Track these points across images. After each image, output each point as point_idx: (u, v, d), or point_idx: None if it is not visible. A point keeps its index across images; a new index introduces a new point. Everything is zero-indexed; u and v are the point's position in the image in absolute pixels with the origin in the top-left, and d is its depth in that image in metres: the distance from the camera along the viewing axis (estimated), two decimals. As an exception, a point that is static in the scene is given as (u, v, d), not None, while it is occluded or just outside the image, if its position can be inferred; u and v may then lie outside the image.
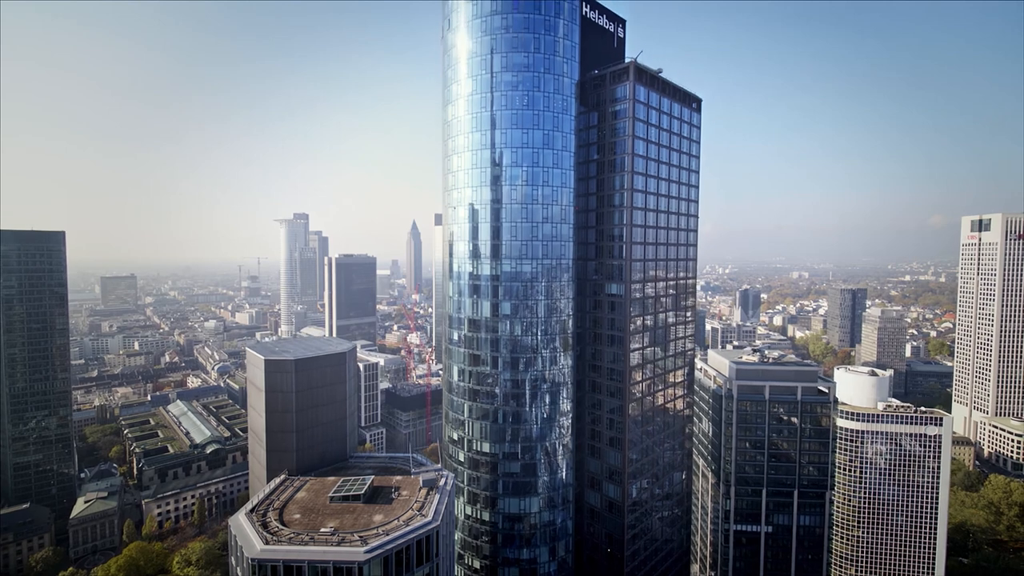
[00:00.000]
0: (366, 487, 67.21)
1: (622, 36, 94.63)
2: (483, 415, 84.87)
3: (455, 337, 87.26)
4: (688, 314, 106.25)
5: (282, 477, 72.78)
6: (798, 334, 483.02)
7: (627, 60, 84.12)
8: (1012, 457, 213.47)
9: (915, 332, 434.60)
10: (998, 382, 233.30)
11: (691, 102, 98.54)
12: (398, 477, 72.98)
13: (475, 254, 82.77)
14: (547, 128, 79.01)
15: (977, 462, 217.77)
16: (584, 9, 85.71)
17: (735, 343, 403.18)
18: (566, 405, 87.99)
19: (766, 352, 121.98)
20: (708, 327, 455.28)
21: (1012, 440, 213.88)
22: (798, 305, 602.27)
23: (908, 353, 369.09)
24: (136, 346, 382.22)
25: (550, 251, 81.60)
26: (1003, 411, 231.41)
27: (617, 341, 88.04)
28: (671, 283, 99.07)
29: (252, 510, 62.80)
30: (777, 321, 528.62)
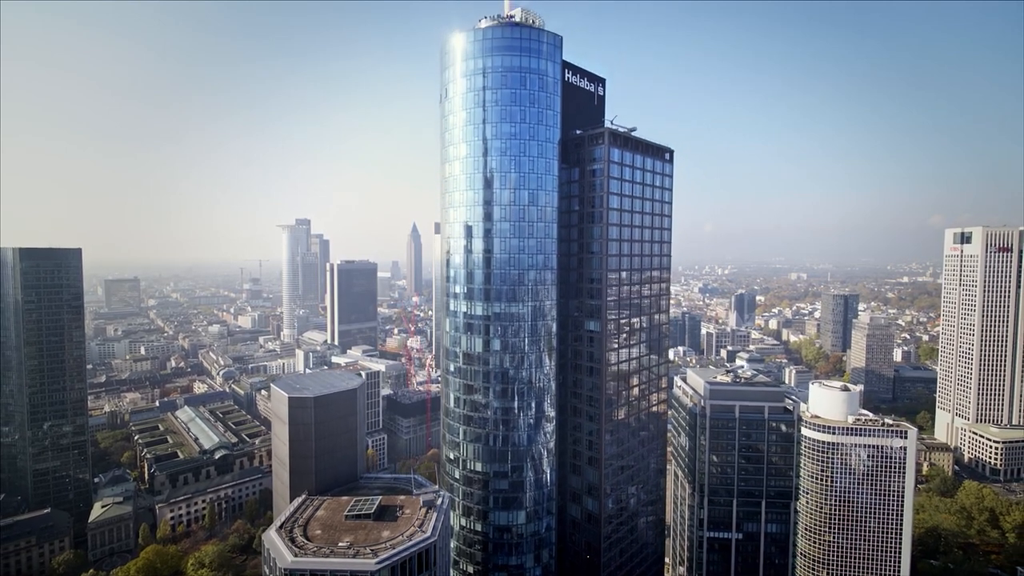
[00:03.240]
0: (375, 506, 78.96)
1: (602, 94, 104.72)
2: (476, 438, 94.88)
3: (451, 368, 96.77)
4: (662, 343, 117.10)
5: (303, 497, 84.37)
6: (792, 338, 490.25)
7: (607, 113, 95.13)
8: (990, 463, 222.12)
9: (907, 336, 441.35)
10: (979, 389, 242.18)
11: (663, 154, 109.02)
12: (402, 497, 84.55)
13: (469, 296, 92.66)
14: (532, 187, 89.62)
15: (957, 467, 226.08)
16: (566, 75, 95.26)
17: (729, 348, 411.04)
18: (550, 429, 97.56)
19: (739, 372, 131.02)
20: (704, 331, 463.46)
21: (990, 446, 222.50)
22: (794, 308, 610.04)
23: (899, 358, 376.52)
24: (142, 351, 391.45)
25: (536, 295, 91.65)
26: (984, 418, 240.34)
27: (595, 372, 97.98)
28: (645, 317, 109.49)
29: (281, 526, 74.29)
30: (772, 325, 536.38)
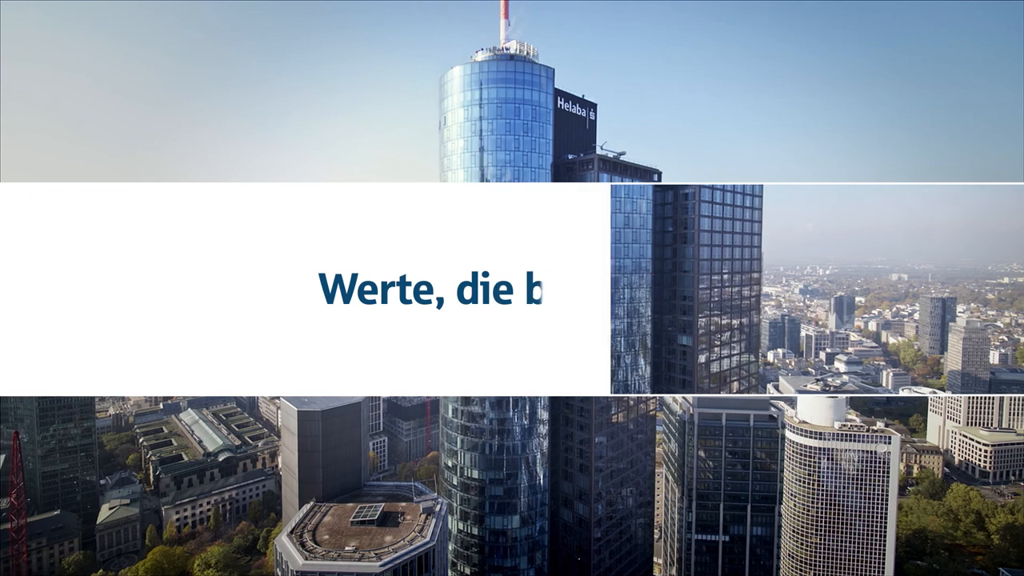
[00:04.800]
0: (378, 513, 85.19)
1: (593, 119, 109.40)
2: (472, 447, 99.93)
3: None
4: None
5: (311, 504, 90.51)
6: (891, 340, 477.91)
7: (598, 136, 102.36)
8: (979, 465, 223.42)
9: (1005, 339, 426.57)
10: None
11: (650, 176, 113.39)
12: (403, 504, 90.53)
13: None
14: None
15: (947, 469, 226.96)
16: (559, 102, 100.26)
17: (828, 350, 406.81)
18: (543, 434, 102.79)
19: (829, 380, 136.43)
20: (803, 333, 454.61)
21: (980, 449, 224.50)
22: (894, 309, 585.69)
23: (996, 361, 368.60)
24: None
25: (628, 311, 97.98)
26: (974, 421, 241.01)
27: (688, 384, 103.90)
28: (735, 330, 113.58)
29: (291, 531, 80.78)
30: (872, 327, 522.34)
